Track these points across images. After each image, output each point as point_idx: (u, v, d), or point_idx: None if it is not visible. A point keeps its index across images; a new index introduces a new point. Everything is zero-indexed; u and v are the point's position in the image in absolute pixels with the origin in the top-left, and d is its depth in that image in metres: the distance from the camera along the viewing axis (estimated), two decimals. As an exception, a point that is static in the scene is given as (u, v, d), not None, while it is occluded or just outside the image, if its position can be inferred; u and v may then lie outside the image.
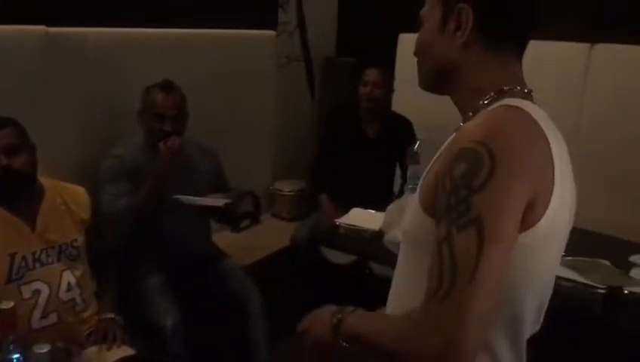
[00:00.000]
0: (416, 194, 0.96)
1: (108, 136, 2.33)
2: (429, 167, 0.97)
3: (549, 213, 0.85)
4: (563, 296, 1.93)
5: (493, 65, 0.96)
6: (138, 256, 2.26)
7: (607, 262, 1.99)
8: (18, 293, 1.79)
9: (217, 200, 2.19)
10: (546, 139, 0.87)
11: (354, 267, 2.64)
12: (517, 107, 0.89)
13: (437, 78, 1.01)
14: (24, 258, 1.83)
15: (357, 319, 0.97)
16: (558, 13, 2.77)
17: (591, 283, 1.81)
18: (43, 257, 1.88)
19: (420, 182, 0.97)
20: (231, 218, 2.52)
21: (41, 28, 2.08)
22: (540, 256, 0.89)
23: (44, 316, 1.84)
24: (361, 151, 2.96)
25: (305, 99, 3.62)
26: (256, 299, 2.32)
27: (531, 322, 0.97)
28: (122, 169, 2.19)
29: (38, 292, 1.83)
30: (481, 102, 0.94)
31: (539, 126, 0.87)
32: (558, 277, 1.96)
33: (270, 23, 3.24)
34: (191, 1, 2.70)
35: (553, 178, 0.86)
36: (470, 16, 0.93)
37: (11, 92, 2.00)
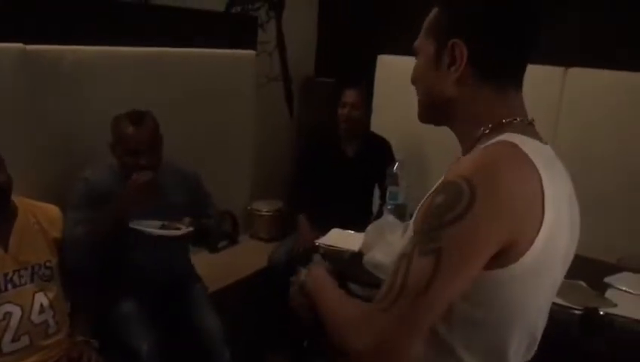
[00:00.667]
0: (412, 222, 0.97)
1: (83, 156, 2.28)
2: (426, 196, 0.97)
3: (534, 250, 0.86)
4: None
5: (490, 98, 0.96)
6: (111, 278, 2.20)
7: (583, 283, 2.01)
8: (-11, 316, 1.75)
9: (175, 231, 2.09)
10: (539, 177, 0.87)
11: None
12: (513, 144, 0.89)
13: (434, 110, 1.02)
14: (-4, 280, 1.79)
15: (319, 283, 1.09)
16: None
17: (568, 304, 1.82)
18: (15, 278, 1.84)
19: (416, 212, 0.97)
20: (208, 242, 2.48)
21: (19, 45, 2.05)
22: (523, 290, 0.90)
23: (15, 339, 1.80)
24: (340, 171, 2.96)
25: (284, 119, 3.63)
26: (217, 329, 2.23)
27: (518, 352, 0.97)
28: (89, 193, 2.09)
29: (9, 314, 1.79)
30: (480, 131, 0.95)
31: (532, 164, 0.87)
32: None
33: (250, 43, 3.25)
34: (170, 19, 2.70)
35: (542, 215, 0.86)
36: (464, 50, 0.93)
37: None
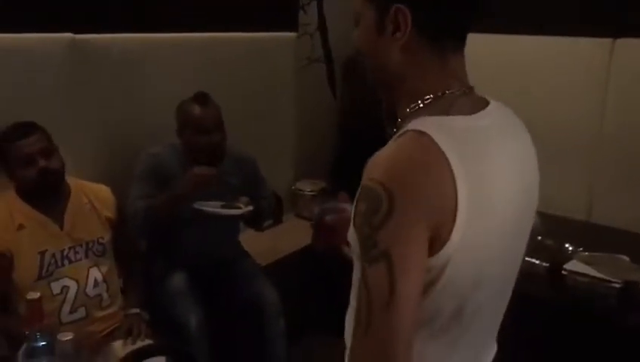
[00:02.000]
0: (349, 234, 0.94)
1: (132, 140, 2.40)
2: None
3: (454, 237, 0.86)
4: (580, 291, 1.95)
5: (432, 65, 0.94)
6: (163, 254, 2.32)
7: (626, 258, 1.98)
8: (48, 289, 1.88)
9: (237, 211, 2.18)
10: (447, 163, 0.85)
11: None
12: (420, 132, 0.87)
13: (382, 78, 1.00)
14: (53, 255, 1.92)
15: None
16: (579, 9, 2.76)
17: (607, 277, 1.81)
18: (71, 254, 1.96)
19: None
20: (260, 223, 2.56)
21: (68, 35, 2.16)
22: (456, 271, 0.89)
23: (72, 311, 1.93)
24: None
25: (326, 100, 3.65)
26: (274, 299, 2.33)
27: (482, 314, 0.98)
28: (155, 168, 2.21)
29: (66, 288, 1.92)
30: (408, 109, 0.95)
31: (438, 150, 0.85)
32: (574, 273, 1.98)
33: (291, 25, 3.29)
34: (213, 5, 2.76)
35: (456, 199, 0.85)
36: (408, 15, 0.91)
37: (39, 98, 2.08)
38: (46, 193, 1.94)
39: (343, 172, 3.12)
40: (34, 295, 1.36)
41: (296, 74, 3.34)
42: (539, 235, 2.16)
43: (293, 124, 3.39)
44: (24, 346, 1.30)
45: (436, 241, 0.85)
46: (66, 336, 1.27)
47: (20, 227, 1.89)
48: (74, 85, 2.20)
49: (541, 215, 2.35)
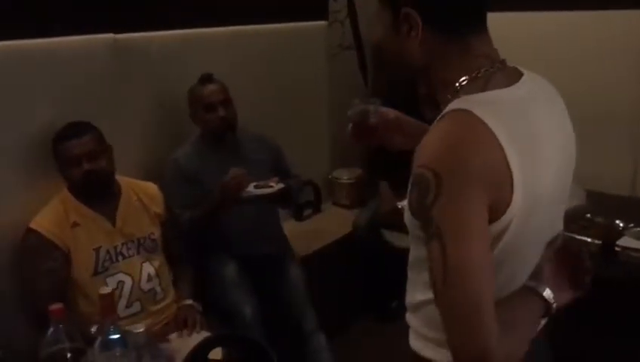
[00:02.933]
0: (405, 220, 1.01)
1: (174, 135, 2.45)
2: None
3: (515, 203, 0.90)
4: (634, 266, 1.93)
5: (456, 53, 0.98)
6: (213, 246, 2.36)
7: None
8: (104, 285, 1.92)
9: (270, 189, 2.20)
10: (492, 133, 0.89)
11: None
12: (463, 111, 0.91)
13: (408, 70, 1.04)
14: (108, 251, 1.97)
15: None
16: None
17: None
18: (124, 250, 2.01)
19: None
20: (291, 203, 2.57)
21: (109, 36, 2.21)
22: (513, 238, 0.93)
23: (128, 305, 1.97)
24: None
25: (358, 87, 3.65)
26: (310, 317, 2.35)
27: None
28: (180, 172, 2.30)
29: (122, 283, 1.97)
30: (449, 95, 0.98)
31: (481, 123, 0.89)
32: (627, 248, 1.96)
33: (322, 14, 3.29)
34: (245, -1, 2.79)
35: (508, 165, 0.89)
36: (418, 17, 0.95)
37: (84, 98, 2.13)
38: (94, 193, 1.98)
39: (379, 158, 3.13)
40: (106, 289, 1.41)
41: (328, 62, 3.35)
42: (587, 213, 2.14)
43: (327, 113, 3.40)
44: (99, 338, 1.35)
45: (500, 205, 0.89)
46: (139, 328, 1.31)
47: (75, 224, 1.95)
48: (117, 84, 2.24)
49: (587, 192, 2.36)
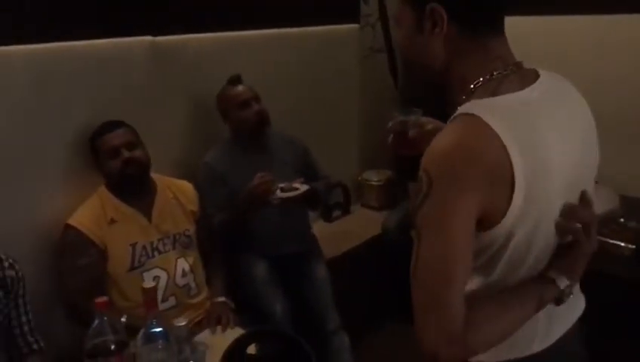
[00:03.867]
0: None
1: (209, 136, 2.50)
2: None
3: (511, 213, 0.91)
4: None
5: (474, 53, 1.00)
6: (243, 246, 2.40)
7: None
8: (140, 280, 1.97)
9: (295, 191, 2.22)
10: (497, 137, 0.90)
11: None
12: (470, 116, 0.93)
13: (434, 75, 1.06)
14: (144, 247, 2.02)
15: None
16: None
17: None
18: (160, 246, 2.06)
19: None
20: (319, 204, 2.60)
21: (148, 38, 2.26)
22: (515, 242, 0.95)
23: (164, 300, 2.02)
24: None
25: (389, 90, 3.66)
26: (333, 317, 2.35)
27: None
28: (211, 175, 2.34)
29: (157, 278, 2.01)
30: (464, 96, 0.99)
31: (487, 127, 0.90)
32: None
33: (353, 17, 3.32)
34: (277, 1, 2.82)
35: (512, 169, 0.90)
36: (443, 12, 0.97)
37: (122, 98, 2.19)
38: (132, 185, 2.04)
39: (408, 160, 3.13)
40: (149, 283, 1.45)
41: (359, 65, 3.37)
42: (620, 217, 2.13)
43: (357, 115, 3.43)
44: (142, 331, 1.39)
45: (497, 209, 0.91)
46: (181, 322, 1.34)
47: (112, 221, 2.00)
48: (154, 85, 2.30)
49: (620, 197, 2.34)
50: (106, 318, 1.35)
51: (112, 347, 1.35)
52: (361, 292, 2.81)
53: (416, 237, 0.93)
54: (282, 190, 2.20)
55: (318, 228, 2.81)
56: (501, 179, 0.90)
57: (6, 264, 1.67)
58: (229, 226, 2.30)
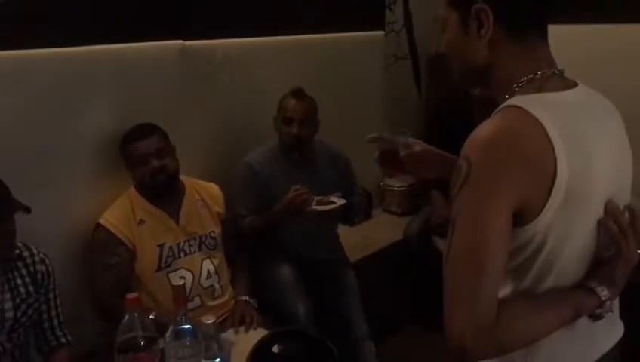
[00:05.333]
0: None
1: (236, 139, 2.54)
2: None
3: (550, 206, 0.90)
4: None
5: (519, 54, 1.00)
6: (269, 249, 2.42)
7: None
8: (166, 280, 2.02)
9: (331, 206, 2.24)
10: (543, 129, 0.90)
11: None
12: (515, 108, 0.93)
13: (474, 76, 1.06)
14: (171, 248, 2.06)
15: None
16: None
17: None
18: (186, 247, 2.09)
19: None
20: (352, 220, 2.63)
21: (179, 42, 2.31)
22: (551, 239, 0.94)
23: (189, 300, 2.04)
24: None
25: (412, 97, 3.68)
26: (362, 325, 2.36)
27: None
28: (252, 176, 2.35)
29: (183, 279, 2.02)
30: (507, 95, 0.99)
31: (536, 122, 0.90)
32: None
33: (378, 24, 3.34)
34: (303, 8, 2.85)
35: (555, 162, 0.89)
36: (489, 13, 0.97)
37: (152, 101, 2.23)
38: (160, 191, 2.07)
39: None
40: (179, 281, 1.49)
41: (383, 72, 3.39)
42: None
43: (381, 121, 3.44)
44: (170, 328, 1.42)
45: (533, 207, 0.90)
46: (209, 319, 1.37)
47: (141, 222, 2.04)
48: (183, 88, 2.34)
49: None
50: (136, 314, 1.38)
51: (142, 343, 1.38)
52: (381, 297, 2.82)
53: (450, 224, 0.92)
54: (319, 203, 2.23)
55: (340, 232, 2.83)
56: (542, 172, 0.90)
57: (37, 258, 1.72)
58: (259, 231, 2.32)
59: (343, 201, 2.26)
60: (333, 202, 2.25)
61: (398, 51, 3.50)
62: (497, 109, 0.97)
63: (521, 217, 0.91)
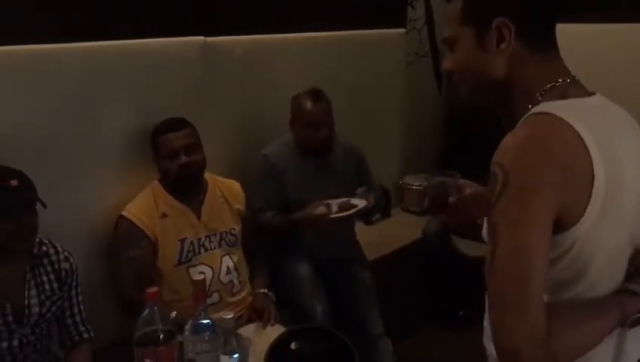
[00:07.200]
0: None
1: (256, 136, 2.54)
2: None
3: (590, 211, 0.89)
4: None
5: (538, 64, 0.99)
6: (287, 246, 2.43)
7: None
8: (187, 275, 2.04)
9: (352, 211, 2.25)
10: (577, 135, 0.88)
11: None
12: (546, 115, 0.92)
13: (488, 94, 1.04)
14: (192, 243, 2.07)
15: None
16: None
17: None
18: (207, 243, 2.10)
19: None
20: (371, 217, 2.63)
21: (200, 38, 2.32)
22: (589, 245, 0.92)
23: (208, 295, 2.03)
24: (493, 143, 2.94)
25: (432, 95, 3.66)
26: (378, 322, 2.35)
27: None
28: (269, 168, 2.35)
29: (202, 274, 2.05)
30: (530, 105, 0.97)
31: (570, 128, 0.89)
32: None
33: (400, 21, 3.33)
34: (325, 5, 2.85)
35: (592, 168, 0.88)
36: (512, 27, 0.96)
37: (174, 96, 2.24)
38: (186, 185, 2.09)
39: (450, 166, 3.12)
40: (199, 276, 1.49)
41: (404, 69, 3.37)
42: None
43: (400, 119, 3.43)
44: (190, 322, 1.43)
45: (573, 210, 0.89)
46: (228, 314, 1.38)
47: (164, 215, 2.06)
48: (205, 84, 2.35)
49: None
50: (156, 308, 1.39)
51: (161, 336, 1.39)
52: (398, 296, 2.81)
53: (491, 233, 0.91)
54: (340, 207, 2.24)
55: (358, 231, 2.82)
56: (580, 178, 0.89)
57: (62, 256, 1.74)
58: (276, 230, 2.34)
59: (364, 203, 2.26)
60: (354, 205, 2.25)
61: (419, 49, 3.48)
62: (524, 117, 0.95)
63: (560, 224, 0.90)
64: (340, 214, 2.22)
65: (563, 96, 0.96)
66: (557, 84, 0.97)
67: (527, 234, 0.87)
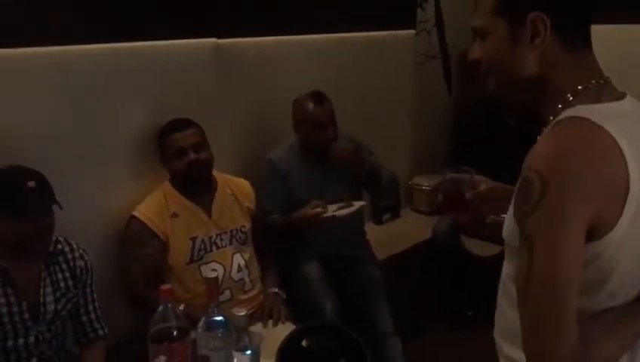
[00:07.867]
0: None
1: (268, 136, 2.57)
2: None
3: (624, 218, 0.87)
4: None
5: (572, 63, 0.96)
6: (296, 245, 2.45)
7: None
8: (198, 273, 2.07)
9: (351, 208, 2.28)
10: (615, 143, 0.86)
11: (498, 259, 2.66)
12: (581, 119, 0.89)
13: (516, 89, 1.01)
14: (203, 241, 2.10)
15: None
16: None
17: None
18: (218, 241, 2.13)
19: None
20: (380, 187, 2.61)
21: (212, 40, 2.34)
22: (618, 255, 0.90)
23: (220, 293, 2.06)
24: (501, 144, 2.95)
25: (442, 96, 3.67)
26: (387, 321, 2.36)
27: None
28: (275, 171, 2.39)
29: (215, 271, 2.05)
30: (559, 106, 0.95)
31: (607, 135, 0.87)
32: None
33: (409, 22, 3.34)
34: (335, 7, 2.87)
35: (628, 177, 0.86)
36: (547, 21, 0.93)
37: (186, 98, 2.27)
38: (195, 184, 2.11)
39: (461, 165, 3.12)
40: (212, 274, 1.52)
41: (414, 70, 3.39)
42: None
43: (410, 120, 3.44)
44: (202, 319, 1.46)
45: (605, 221, 0.86)
46: (240, 312, 1.40)
47: (174, 215, 2.08)
48: (217, 85, 2.38)
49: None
50: (170, 305, 1.41)
51: (175, 333, 1.41)
52: (407, 295, 2.82)
53: (525, 245, 0.87)
54: (340, 207, 2.27)
55: (368, 230, 2.83)
56: (617, 187, 0.86)
57: (77, 254, 1.77)
58: (283, 230, 2.37)
59: (361, 203, 2.31)
60: (351, 205, 2.30)
61: (428, 50, 3.49)
62: (557, 119, 0.93)
63: (592, 234, 0.87)
64: (336, 213, 2.24)
65: (597, 100, 0.93)
66: (590, 85, 0.95)
67: (566, 257, 0.85)
